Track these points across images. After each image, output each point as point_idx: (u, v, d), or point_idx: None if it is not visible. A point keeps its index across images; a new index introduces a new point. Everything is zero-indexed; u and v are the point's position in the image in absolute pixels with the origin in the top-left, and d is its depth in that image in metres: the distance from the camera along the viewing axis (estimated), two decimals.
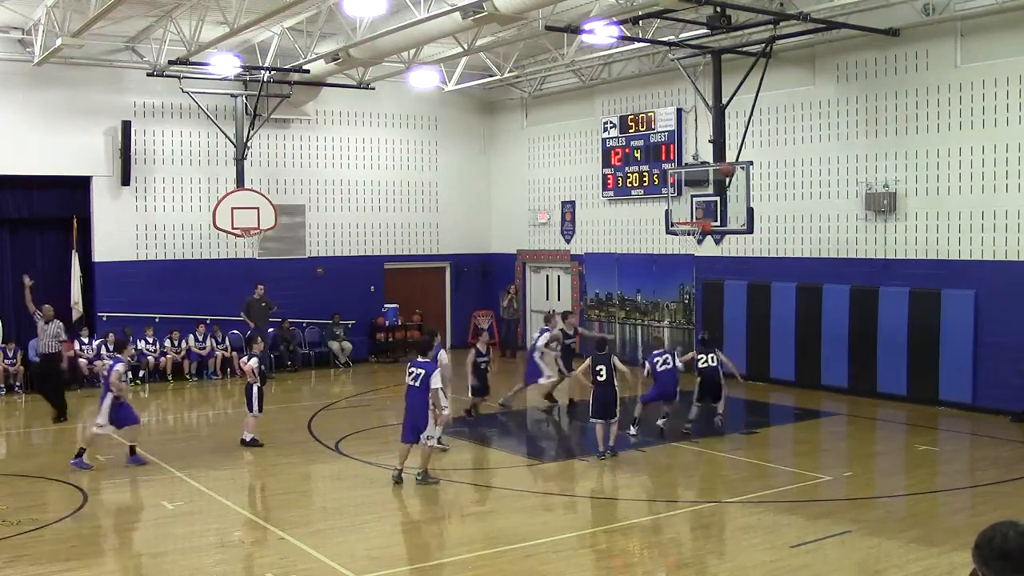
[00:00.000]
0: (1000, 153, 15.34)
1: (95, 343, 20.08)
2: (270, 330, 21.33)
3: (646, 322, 21.44)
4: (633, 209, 21.83)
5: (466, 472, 12.32)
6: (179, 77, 19.74)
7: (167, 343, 20.71)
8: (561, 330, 17.03)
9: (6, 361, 19.22)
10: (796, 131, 18.42)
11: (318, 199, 23.29)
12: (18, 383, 19.17)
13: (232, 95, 21.29)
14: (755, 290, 18.93)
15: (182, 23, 17.33)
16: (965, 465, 13.36)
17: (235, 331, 21.55)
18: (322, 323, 22.91)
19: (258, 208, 20.90)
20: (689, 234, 17.62)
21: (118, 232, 20.94)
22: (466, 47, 18.24)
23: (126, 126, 20.51)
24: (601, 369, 13.08)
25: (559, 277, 24.36)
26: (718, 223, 16.62)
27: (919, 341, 16.36)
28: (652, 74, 20.99)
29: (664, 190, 19.07)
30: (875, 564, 8.82)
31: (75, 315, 20.33)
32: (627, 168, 21.71)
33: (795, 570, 8.72)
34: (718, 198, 16.63)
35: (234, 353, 21.25)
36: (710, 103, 17.23)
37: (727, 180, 16.30)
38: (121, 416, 13.06)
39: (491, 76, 21.85)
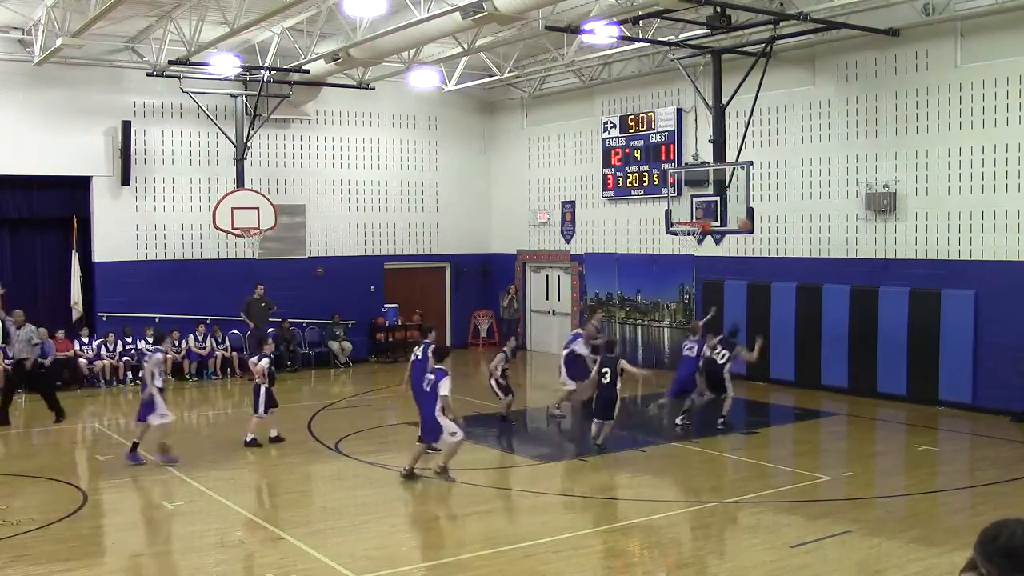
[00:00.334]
0: (1000, 153, 15.35)
1: (95, 343, 20.09)
2: (270, 330, 21.31)
3: (646, 322, 21.44)
4: (633, 209, 21.83)
5: (466, 472, 12.30)
6: (179, 77, 19.74)
7: (167, 343, 20.67)
8: (594, 325, 17.07)
9: (6, 361, 19.18)
10: (796, 131, 18.42)
11: (318, 199, 23.29)
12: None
13: (232, 95, 21.30)
14: (755, 290, 18.93)
15: (182, 23, 17.34)
16: (965, 465, 13.36)
17: (235, 331, 21.56)
18: (322, 323, 22.91)
19: (258, 208, 20.91)
20: (689, 234, 17.62)
21: (118, 232, 20.94)
22: (466, 47, 18.24)
23: (126, 126, 20.51)
24: (606, 372, 13.29)
25: (559, 277, 24.36)
26: (718, 223, 16.63)
27: (919, 341, 16.36)
28: (652, 74, 21.00)
29: (664, 190, 19.08)
30: (875, 564, 8.82)
31: (75, 315, 20.36)
32: (627, 168, 21.71)
33: (795, 570, 8.72)
34: (718, 198, 16.64)
35: (234, 353, 21.29)
36: (710, 103, 17.23)
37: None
38: (142, 411, 13.16)
39: (491, 76, 21.85)
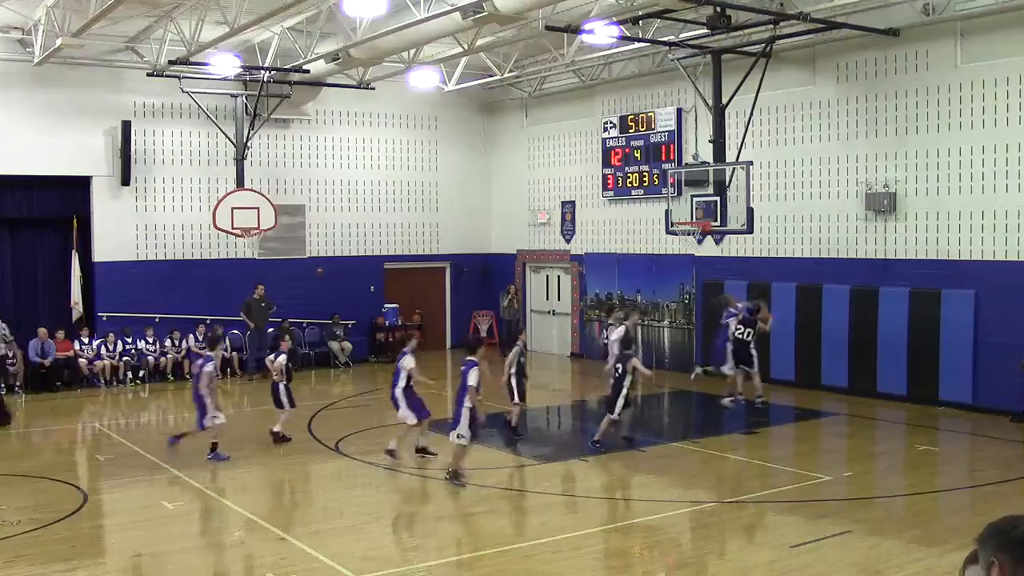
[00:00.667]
0: (1000, 153, 15.34)
1: (95, 343, 20.09)
2: (270, 330, 21.31)
3: (646, 322, 21.43)
4: (633, 209, 21.83)
5: (466, 472, 12.30)
6: (179, 77, 19.73)
7: (167, 343, 20.71)
8: (635, 324, 17.12)
9: (7, 361, 19.20)
10: (796, 131, 18.42)
11: (318, 199, 23.30)
12: (18, 383, 19.17)
13: (232, 95, 21.30)
14: (755, 290, 18.90)
15: (182, 23, 17.33)
16: (965, 465, 13.36)
17: (235, 331, 21.56)
18: (322, 323, 22.91)
19: (258, 208, 20.90)
20: (689, 234, 17.62)
21: (118, 232, 20.94)
22: (466, 47, 18.23)
23: (126, 126, 20.50)
24: (619, 367, 13.51)
25: (559, 277, 24.35)
26: (718, 223, 16.63)
27: (919, 341, 16.36)
28: (652, 74, 20.99)
29: (664, 190, 19.08)
30: (875, 564, 8.82)
31: (75, 315, 20.36)
32: (627, 168, 21.71)
33: (795, 570, 8.72)
34: (718, 198, 16.64)
35: (234, 353, 21.29)
36: (710, 103, 17.23)
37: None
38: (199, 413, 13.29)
39: (491, 76, 21.85)
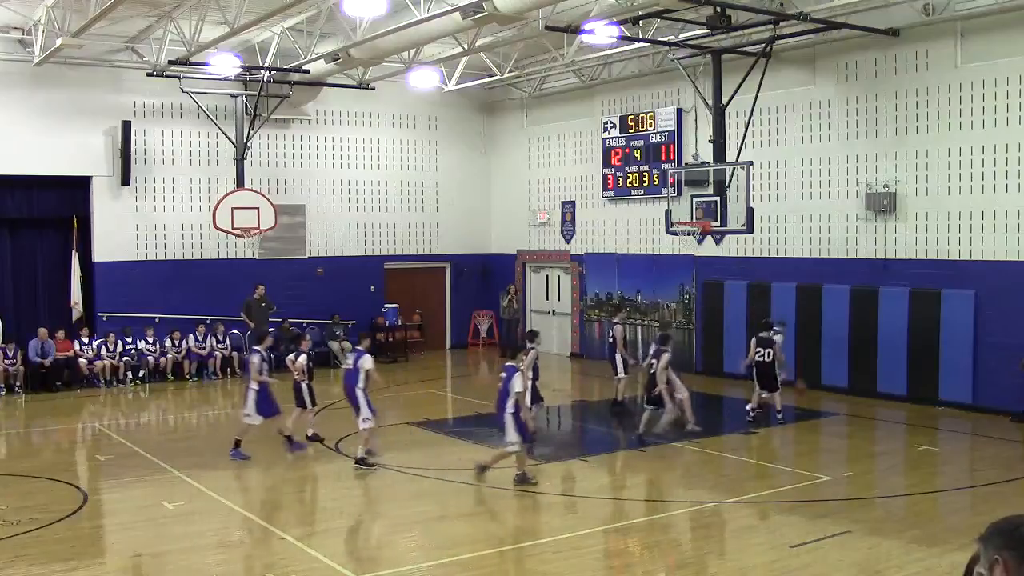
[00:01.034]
0: (1000, 153, 15.34)
1: (95, 343, 20.09)
2: (270, 330, 21.31)
3: (646, 322, 21.44)
4: (633, 209, 21.83)
5: (466, 472, 12.31)
6: (179, 77, 19.73)
7: (167, 343, 20.71)
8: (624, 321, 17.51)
9: (6, 361, 19.22)
10: (796, 131, 18.41)
11: (318, 199, 23.30)
12: (18, 383, 19.17)
13: (232, 95, 21.30)
14: (755, 290, 18.93)
15: (182, 23, 17.33)
16: (965, 465, 13.36)
17: (235, 331, 21.57)
18: (322, 323, 22.91)
19: (258, 208, 20.89)
20: (689, 234, 17.62)
21: (118, 232, 20.94)
22: (466, 47, 18.23)
23: (126, 126, 20.50)
24: (654, 363, 13.81)
25: (559, 277, 24.36)
26: (718, 223, 16.63)
27: (919, 341, 16.36)
28: (652, 74, 20.99)
29: (664, 190, 19.08)
30: (875, 564, 8.82)
31: (75, 315, 20.35)
32: (627, 168, 21.71)
33: (795, 570, 8.72)
34: (718, 198, 16.64)
35: (234, 353, 21.29)
36: (710, 103, 17.23)
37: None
38: (265, 407, 13.36)
39: (491, 76, 21.85)
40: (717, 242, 18.15)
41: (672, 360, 14.14)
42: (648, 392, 13.99)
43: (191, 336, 21.00)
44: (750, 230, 16.71)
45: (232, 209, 20.58)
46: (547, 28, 16.20)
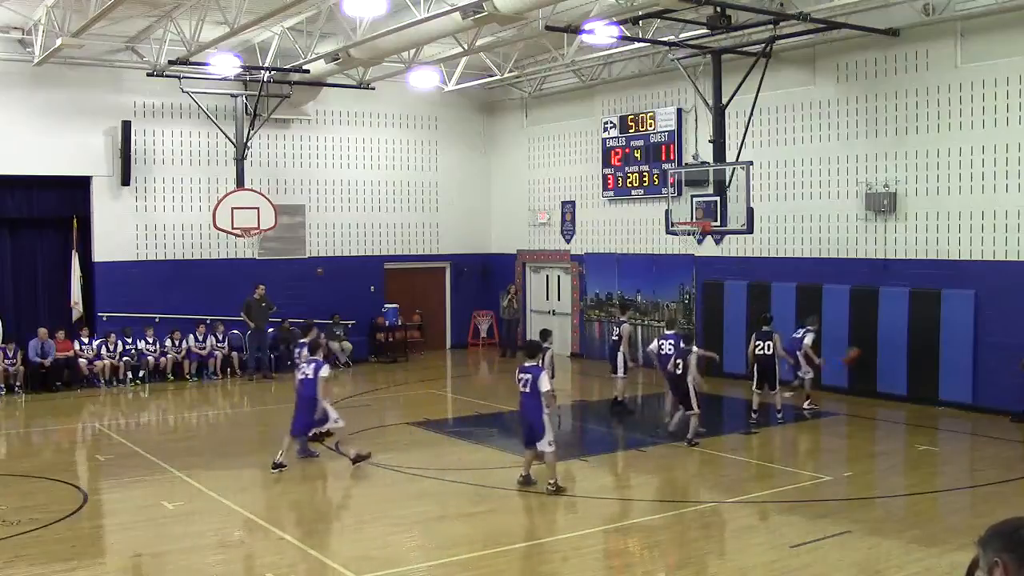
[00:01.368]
0: (1000, 153, 15.34)
1: (95, 343, 20.09)
2: (270, 330, 21.34)
3: (646, 322, 21.44)
4: (633, 209, 21.83)
5: (466, 472, 12.32)
6: (179, 77, 19.73)
7: (167, 343, 20.70)
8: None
9: (6, 361, 19.22)
10: (796, 131, 18.42)
11: (318, 199, 23.30)
12: (18, 383, 19.17)
13: (232, 95, 21.30)
14: (755, 290, 18.93)
15: (182, 23, 17.33)
16: (965, 465, 13.36)
17: (235, 331, 21.57)
18: (322, 323, 22.88)
19: (258, 208, 20.90)
20: (689, 234, 17.63)
21: (118, 232, 20.94)
22: (466, 47, 18.24)
23: (126, 126, 20.50)
24: (679, 363, 13.79)
25: (559, 277, 24.36)
26: (718, 223, 16.63)
27: (919, 341, 16.36)
28: (652, 74, 20.99)
29: (664, 190, 19.09)
30: (875, 564, 8.82)
31: (75, 315, 20.35)
32: (627, 168, 21.71)
33: (795, 570, 8.72)
34: (718, 198, 16.64)
35: (234, 353, 21.29)
36: (710, 103, 17.24)
37: None
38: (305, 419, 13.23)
39: (491, 76, 21.85)
40: (717, 242, 18.15)
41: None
42: (677, 394, 13.86)
43: (191, 336, 21.00)
44: (750, 230, 16.72)
45: (232, 209, 20.58)
46: (547, 28, 16.20)
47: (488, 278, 25.56)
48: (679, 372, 13.83)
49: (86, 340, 20.02)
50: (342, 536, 10.09)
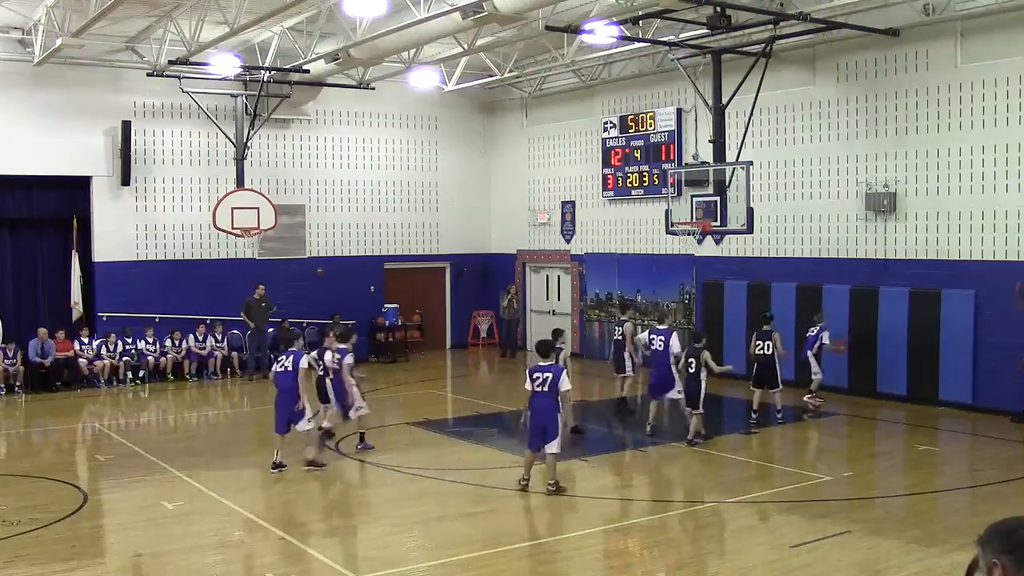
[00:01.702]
0: (1000, 153, 15.34)
1: (95, 343, 20.09)
2: (270, 330, 21.33)
3: (646, 322, 21.41)
4: (633, 209, 21.83)
5: (466, 472, 12.32)
6: (179, 77, 19.73)
7: (167, 343, 20.70)
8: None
9: (6, 361, 19.22)
10: (796, 131, 18.42)
11: (318, 199, 23.30)
12: (18, 383, 19.17)
13: (232, 95, 21.30)
14: (755, 290, 18.93)
15: (182, 23, 17.33)
16: (965, 465, 13.36)
17: (235, 331, 21.57)
18: (322, 323, 22.89)
19: (258, 208, 20.89)
20: (689, 234, 17.63)
21: (118, 232, 20.93)
22: (466, 47, 18.23)
23: (126, 126, 20.50)
24: (692, 362, 13.72)
25: (559, 277, 24.35)
26: (718, 223, 16.63)
27: (919, 341, 16.36)
28: (652, 74, 20.99)
29: (664, 190, 19.09)
30: (875, 564, 8.82)
31: (75, 315, 20.35)
32: (627, 168, 21.71)
33: (795, 570, 8.72)
34: (718, 198, 16.64)
35: (234, 353, 21.29)
36: (710, 103, 17.23)
37: None
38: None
39: (491, 76, 21.85)
40: (717, 242, 18.15)
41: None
42: (690, 394, 13.85)
43: (191, 336, 21.00)
44: (750, 230, 16.72)
45: (232, 209, 20.58)
46: (547, 28, 16.20)
47: (488, 278, 25.56)
48: (691, 371, 13.81)
49: (86, 340, 20.02)
50: (342, 536, 10.09)
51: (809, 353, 16.01)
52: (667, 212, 17.88)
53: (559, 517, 10.74)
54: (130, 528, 10.52)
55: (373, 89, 22.17)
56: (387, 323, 23.62)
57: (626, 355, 16.23)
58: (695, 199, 17.15)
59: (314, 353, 14.37)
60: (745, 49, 17.19)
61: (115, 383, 19.95)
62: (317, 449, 12.77)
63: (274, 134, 22.51)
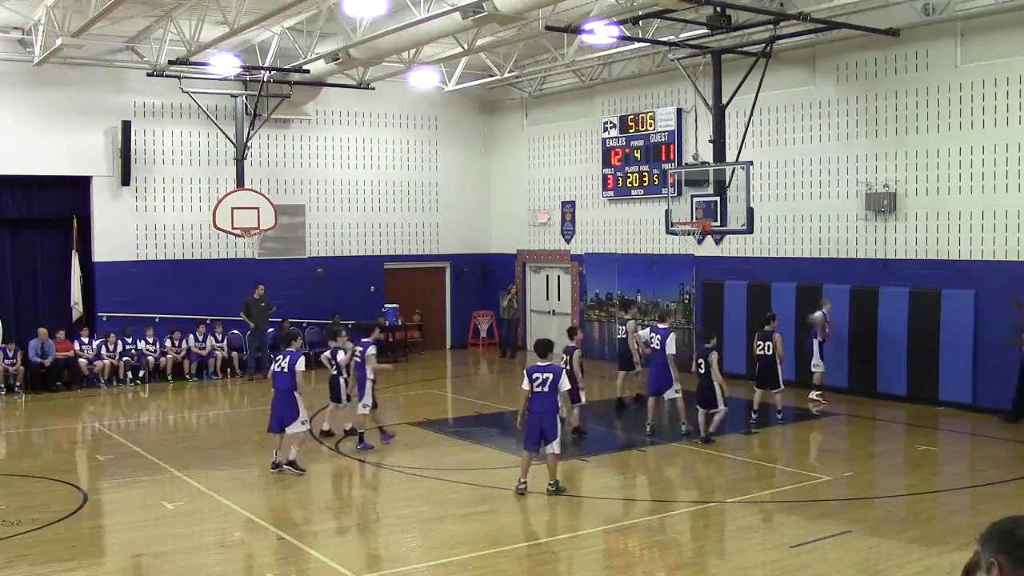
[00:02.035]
0: (1000, 153, 15.34)
1: (95, 343, 20.09)
2: (270, 330, 21.33)
3: (646, 322, 21.40)
4: (633, 209, 21.83)
5: (466, 472, 12.32)
6: (179, 77, 19.73)
7: (167, 343, 20.70)
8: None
9: (6, 361, 19.22)
10: (796, 131, 18.42)
11: (318, 199, 23.30)
12: (18, 383, 19.17)
13: (232, 95, 21.30)
14: (755, 290, 18.93)
15: (182, 23, 17.33)
16: (965, 465, 13.35)
17: (235, 331, 21.57)
18: (322, 323, 22.89)
19: (258, 208, 20.90)
20: (689, 234, 17.62)
21: (118, 232, 20.94)
22: (466, 47, 18.24)
23: (126, 126, 20.50)
24: (701, 362, 13.77)
25: (559, 277, 24.36)
26: (718, 223, 16.63)
27: (919, 341, 16.36)
28: (652, 74, 21.00)
29: (664, 190, 19.09)
30: (875, 564, 8.82)
31: (75, 315, 20.36)
32: (627, 168, 21.71)
33: (795, 570, 8.71)
34: (718, 198, 16.64)
35: (234, 353, 21.29)
36: (710, 103, 17.24)
37: None
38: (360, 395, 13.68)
39: (491, 76, 21.85)
40: (717, 242, 18.15)
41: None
42: (703, 394, 13.85)
43: (191, 336, 21.00)
44: (750, 230, 16.72)
45: (232, 209, 20.59)
46: (547, 28, 16.21)
47: (488, 278, 25.57)
48: (701, 372, 13.82)
49: (86, 340, 20.02)
50: (342, 536, 10.09)
51: (815, 342, 16.03)
52: (667, 212, 17.88)
53: (559, 517, 10.74)
54: (130, 528, 10.51)
55: (373, 89, 22.18)
56: (387, 323, 23.59)
57: (634, 353, 16.30)
58: (695, 199, 17.15)
59: (327, 353, 14.43)
60: (745, 49, 17.20)
61: (115, 383, 19.95)
62: (299, 448, 12.63)
63: (274, 134, 22.51)
